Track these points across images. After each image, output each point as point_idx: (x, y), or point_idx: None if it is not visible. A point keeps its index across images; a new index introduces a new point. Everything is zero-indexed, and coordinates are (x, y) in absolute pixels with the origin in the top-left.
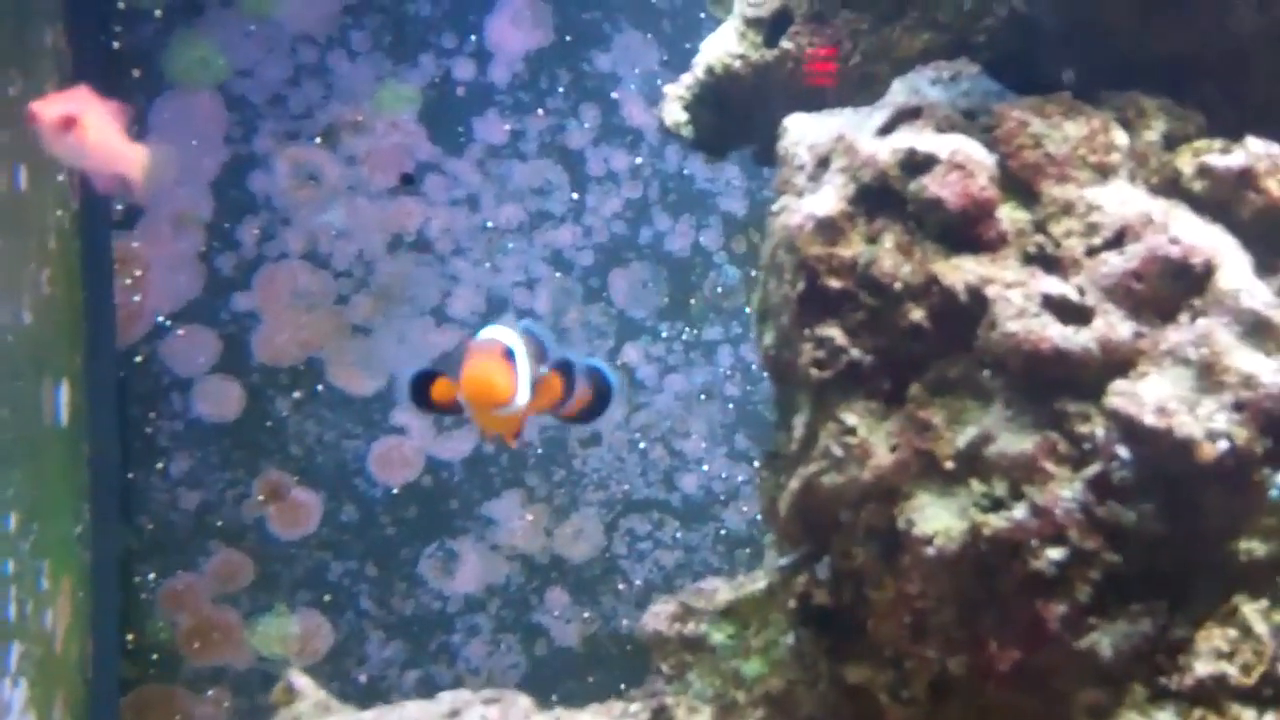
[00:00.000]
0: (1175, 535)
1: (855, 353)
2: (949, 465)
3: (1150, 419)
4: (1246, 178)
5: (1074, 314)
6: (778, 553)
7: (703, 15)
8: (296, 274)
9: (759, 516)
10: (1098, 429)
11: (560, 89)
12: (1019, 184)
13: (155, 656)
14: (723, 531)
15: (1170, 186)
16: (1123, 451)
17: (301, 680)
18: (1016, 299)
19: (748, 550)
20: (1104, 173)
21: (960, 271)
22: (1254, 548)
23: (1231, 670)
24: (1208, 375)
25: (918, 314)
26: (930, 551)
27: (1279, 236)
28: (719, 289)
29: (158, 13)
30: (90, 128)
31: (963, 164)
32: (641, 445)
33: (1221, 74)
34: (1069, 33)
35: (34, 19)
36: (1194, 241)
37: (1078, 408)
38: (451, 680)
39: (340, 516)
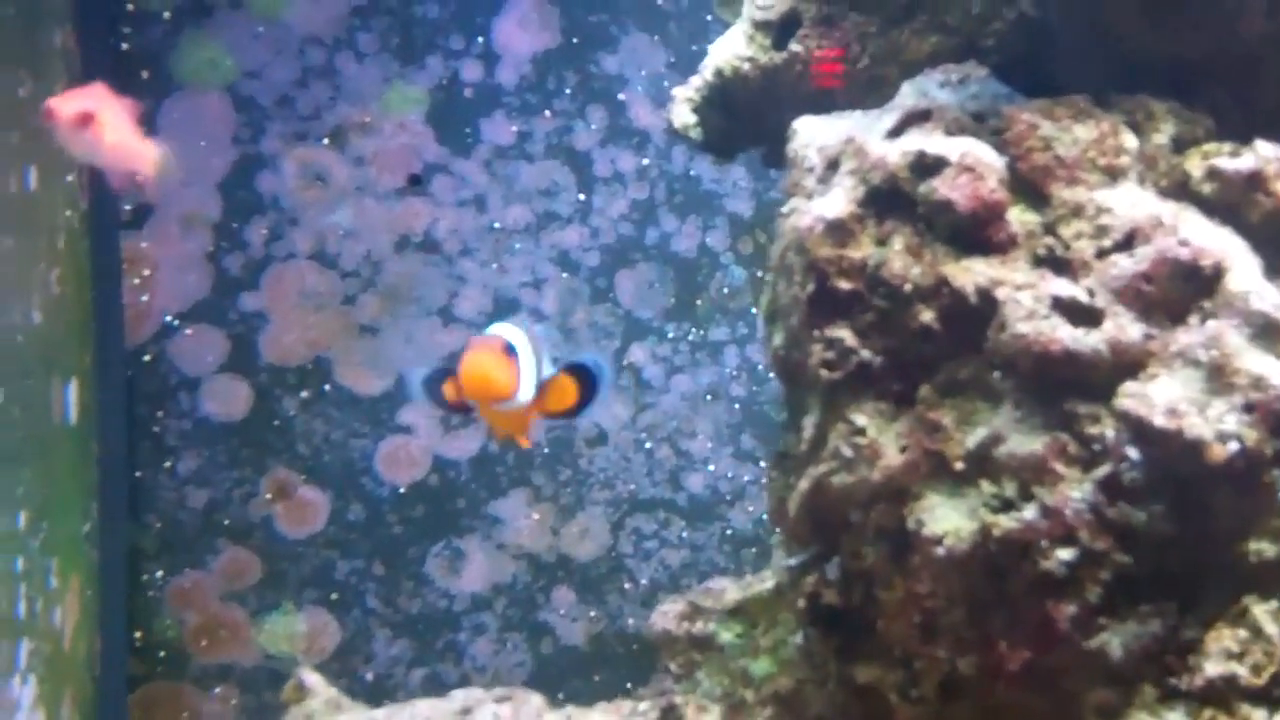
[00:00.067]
0: (1185, 536)
1: (865, 354)
2: (959, 466)
3: (1160, 420)
4: (1256, 181)
5: (1084, 316)
6: (786, 553)
7: (709, 18)
8: (304, 274)
9: (764, 516)
10: (1108, 430)
11: (567, 91)
12: (1029, 186)
13: (163, 654)
14: (728, 531)
15: (1179, 189)
16: (1133, 453)
17: (312, 678)
18: (1026, 301)
19: (753, 550)
20: (1113, 175)
21: (970, 273)
22: (1264, 549)
23: (1242, 671)
24: (1218, 377)
25: (928, 315)
26: (940, 552)
27: None
28: (725, 290)
29: (166, 14)
30: (106, 125)
31: (972, 166)
32: (648, 445)
33: (1231, 78)
34: (1077, 36)
35: (43, 20)
36: (1204, 244)
37: (1088, 409)
38: (458, 678)
39: (347, 515)
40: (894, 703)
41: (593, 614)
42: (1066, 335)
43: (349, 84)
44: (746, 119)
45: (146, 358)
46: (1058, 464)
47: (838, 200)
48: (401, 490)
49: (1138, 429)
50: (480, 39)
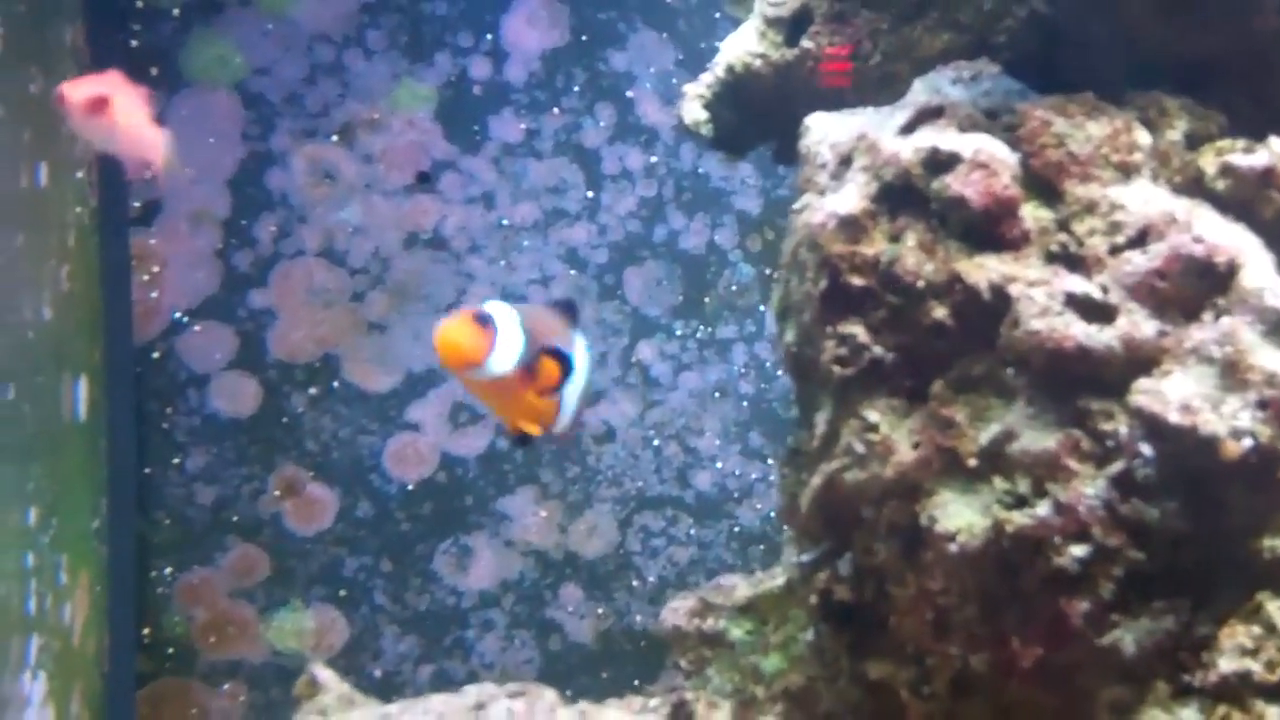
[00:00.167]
0: (1198, 533)
1: (878, 350)
2: (972, 462)
3: (1174, 417)
4: (1269, 177)
5: (1097, 312)
6: (797, 549)
7: (718, 15)
8: (313, 271)
9: (772, 514)
10: (1121, 426)
11: (576, 88)
12: (1042, 183)
13: (171, 650)
14: (736, 528)
15: (1193, 186)
16: (1146, 449)
17: (325, 674)
18: (1040, 297)
19: (761, 547)
20: (1127, 172)
21: (983, 270)
22: (1277, 545)
23: (1255, 667)
24: (1231, 374)
25: (940, 312)
26: (953, 548)
27: None
28: (733, 287)
29: (176, 11)
30: (120, 111)
31: (986, 163)
32: (655, 442)
33: (1244, 75)
34: (1090, 33)
35: (53, 17)
36: (1217, 240)
37: (1101, 405)
38: (465, 675)
39: (355, 512)
40: (906, 699)
41: (600, 611)
42: (1080, 332)
43: (358, 81)
44: (758, 115)
45: (155, 354)
46: (1071, 460)
47: (850, 196)
48: (410, 487)
49: (1151, 425)
50: (489, 36)
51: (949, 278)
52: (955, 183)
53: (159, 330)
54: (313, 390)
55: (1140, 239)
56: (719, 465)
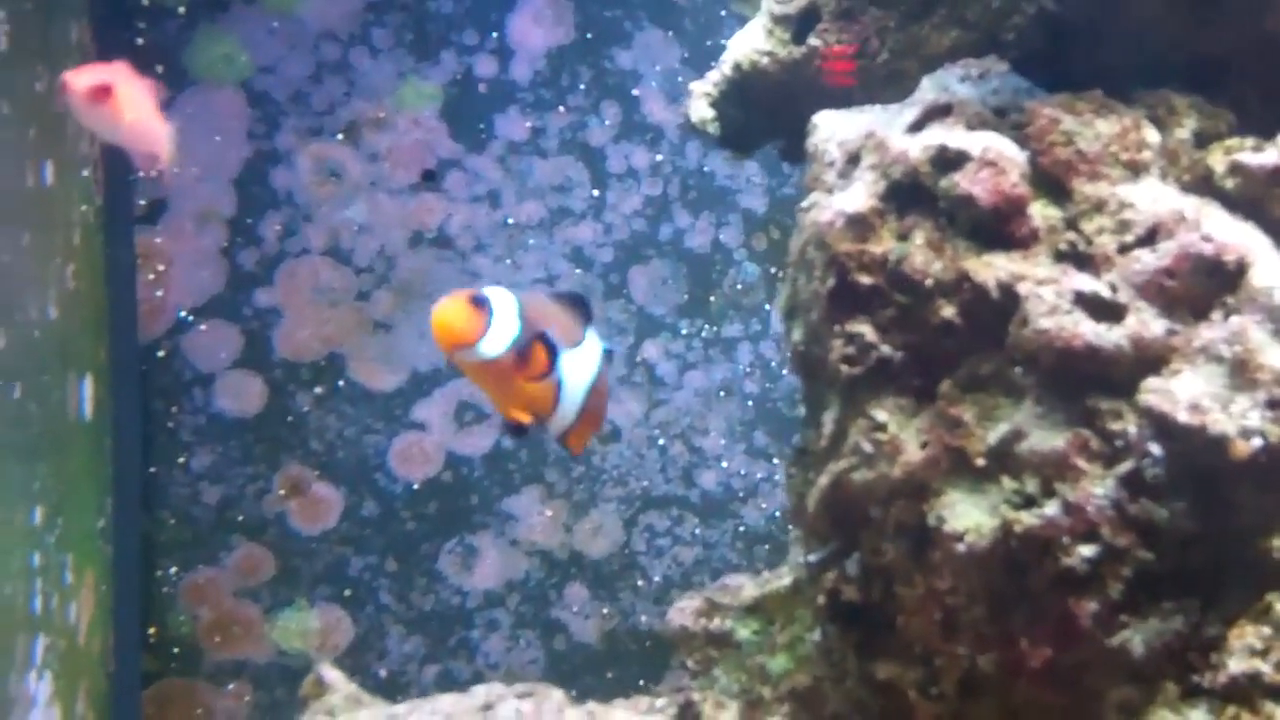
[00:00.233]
0: (1208, 533)
1: (886, 349)
2: (980, 462)
3: (1183, 416)
4: (1279, 176)
5: (1106, 311)
6: (805, 549)
7: (724, 13)
8: (318, 270)
9: (777, 513)
10: (1130, 426)
11: (581, 86)
12: (1050, 181)
13: (176, 650)
14: (741, 528)
15: (1202, 184)
16: (1155, 449)
17: (332, 673)
18: (1048, 296)
19: (766, 546)
20: (1135, 170)
21: (992, 268)
22: None
23: (1265, 668)
24: (1241, 373)
25: (949, 311)
26: (961, 548)
27: None
28: (739, 286)
29: (182, 9)
30: (125, 101)
31: (994, 161)
32: (661, 442)
33: (1255, 73)
34: (1098, 31)
35: (59, 15)
36: (1227, 239)
37: (1110, 405)
38: (471, 675)
39: (361, 511)
40: (914, 700)
41: (605, 611)
42: (1089, 330)
43: (363, 79)
44: (765, 113)
45: (161, 353)
46: (1079, 460)
47: (858, 195)
48: (415, 486)
49: (1160, 425)
50: (494, 34)
51: (957, 276)
52: (964, 181)
53: (164, 329)
54: (318, 389)
55: (1149, 237)
56: (724, 464)
